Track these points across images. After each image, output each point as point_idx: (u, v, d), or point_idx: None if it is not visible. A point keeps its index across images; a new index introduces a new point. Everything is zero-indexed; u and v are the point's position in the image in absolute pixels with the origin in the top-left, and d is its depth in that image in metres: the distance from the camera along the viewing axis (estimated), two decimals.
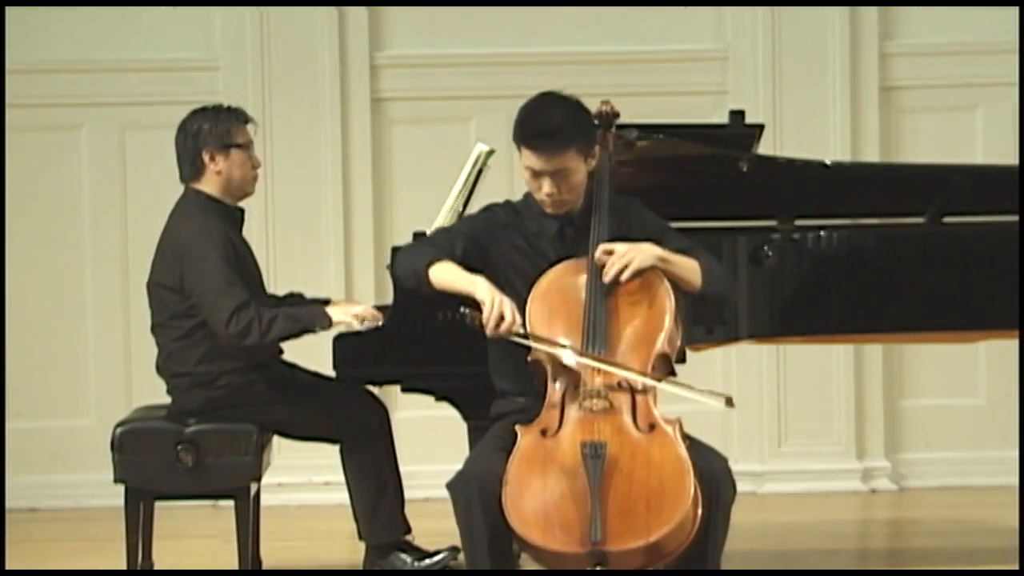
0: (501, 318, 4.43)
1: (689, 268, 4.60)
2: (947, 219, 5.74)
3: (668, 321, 4.51)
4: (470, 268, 4.60)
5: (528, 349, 4.47)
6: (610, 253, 4.52)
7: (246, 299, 5.26)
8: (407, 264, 4.68)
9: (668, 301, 4.52)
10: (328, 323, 5.26)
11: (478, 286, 4.50)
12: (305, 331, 5.29)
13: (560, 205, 4.62)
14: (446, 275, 4.59)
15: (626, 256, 4.50)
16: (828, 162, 5.86)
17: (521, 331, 4.45)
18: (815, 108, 7.29)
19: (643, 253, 4.53)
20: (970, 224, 5.74)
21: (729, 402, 4.34)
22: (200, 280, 5.29)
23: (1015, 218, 5.54)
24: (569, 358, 4.42)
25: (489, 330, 4.44)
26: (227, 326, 5.23)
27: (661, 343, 4.48)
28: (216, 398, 5.35)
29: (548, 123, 4.54)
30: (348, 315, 5.25)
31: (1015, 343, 6.42)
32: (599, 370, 4.39)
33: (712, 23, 7.37)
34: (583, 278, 4.54)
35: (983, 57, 7.35)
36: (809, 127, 7.25)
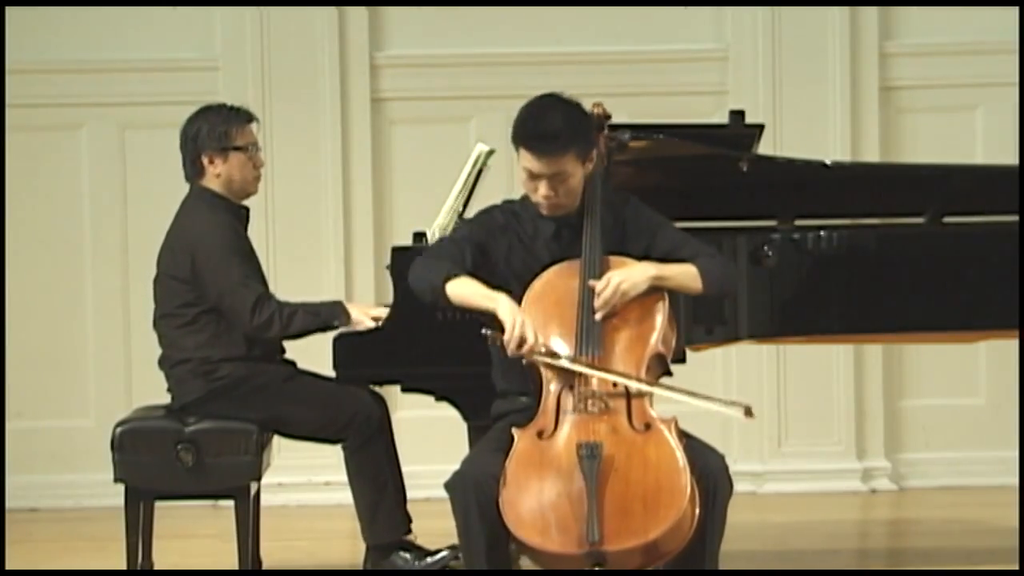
0: (523, 340, 4.40)
1: (686, 277, 4.59)
2: (947, 219, 5.74)
3: (662, 321, 4.50)
4: (485, 280, 4.55)
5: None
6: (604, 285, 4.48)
7: (264, 291, 5.33)
8: (423, 279, 4.59)
9: (662, 301, 4.53)
10: (347, 319, 5.29)
11: (500, 305, 4.45)
12: (324, 327, 5.31)
13: (556, 208, 4.59)
14: (465, 291, 4.53)
15: (618, 289, 4.46)
16: (828, 162, 5.86)
17: (542, 350, 4.42)
18: (815, 108, 7.29)
19: (634, 280, 4.50)
20: (970, 224, 5.73)
21: (748, 412, 4.33)
22: (216, 274, 5.32)
23: (1015, 218, 5.54)
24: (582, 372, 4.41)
25: (510, 351, 4.41)
26: (251, 317, 5.26)
27: (655, 343, 4.48)
28: (216, 389, 5.35)
29: (548, 126, 4.50)
30: (367, 314, 5.27)
31: (1015, 343, 6.43)
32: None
33: (712, 23, 7.37)
34: (577, 281, 4.52)
35: (983, 57, 7.34)
36: (809, 127, 7.25)
